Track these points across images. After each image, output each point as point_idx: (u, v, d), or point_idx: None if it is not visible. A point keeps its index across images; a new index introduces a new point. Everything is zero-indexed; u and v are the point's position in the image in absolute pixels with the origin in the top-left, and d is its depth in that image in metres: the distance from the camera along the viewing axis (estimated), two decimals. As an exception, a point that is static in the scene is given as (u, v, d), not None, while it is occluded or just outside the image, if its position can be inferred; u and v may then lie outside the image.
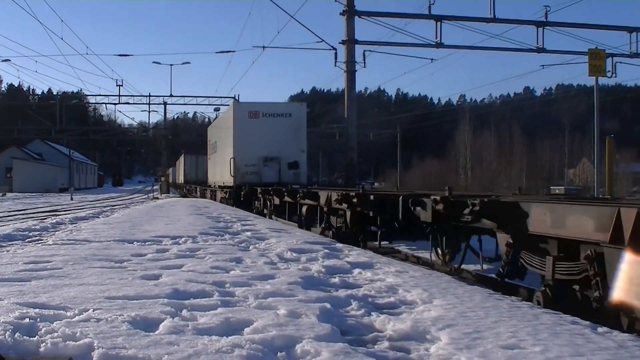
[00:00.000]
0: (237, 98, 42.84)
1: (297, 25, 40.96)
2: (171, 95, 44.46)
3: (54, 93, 74.28)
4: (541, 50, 20.66)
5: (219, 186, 24.50)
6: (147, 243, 7.24)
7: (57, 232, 9.20)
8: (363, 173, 71.37)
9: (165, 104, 46.04)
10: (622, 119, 72.94)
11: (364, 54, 20.28)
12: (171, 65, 43.90)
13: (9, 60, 41.04)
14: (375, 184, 66.80)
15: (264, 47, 24.71)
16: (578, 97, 72.49)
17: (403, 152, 60.75)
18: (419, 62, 25.18)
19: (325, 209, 11.11)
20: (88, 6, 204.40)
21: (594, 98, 18.07)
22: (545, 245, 5.28)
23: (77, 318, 3.30)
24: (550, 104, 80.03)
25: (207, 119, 62.51)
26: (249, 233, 8.68)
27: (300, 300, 3.89)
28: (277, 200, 15.24)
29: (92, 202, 31.19)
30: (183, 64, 58.81)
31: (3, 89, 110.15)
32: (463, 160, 65.12)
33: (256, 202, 18.09)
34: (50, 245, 7.12)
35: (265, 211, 16.79)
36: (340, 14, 19.48)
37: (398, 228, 8.52)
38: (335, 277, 4.92)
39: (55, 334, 2.97)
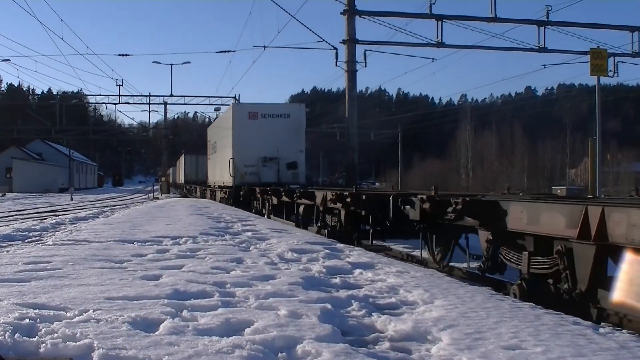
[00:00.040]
0: (237, 98, 42.86)
1: (297, 24, 40.84)
2: (171, 95, 44.41)
3: (54, 93, 74.23)
4: (543, 49, 20.61)
5: (218, 186, 24.66)
6: (147, 243, 7.23)
7: (57, 233, 9.20)
8: (364, 173, 71.33)
9: (165, 103, 46.00)
10: (624, 119, 72.98)
11: (364, 54, 20.27)
12: (171, 65, 43.80)
13: (9, 59, 41.00)
14: (376, 184, 66.77)
15: (264, 46, 24.73)
16: (580, 96, 72.51)
17: (404, 152, 60.73)
18: (420, 62, 25.12)
19: (321, 209, 11.31)
20: (88, 6, 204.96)
21: (596, 98, 18.08)
22: (523, 242, 5.55)
23: (77, 319, 3.29)
24: (551, 103, 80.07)
25: (207, 119, 62.54)
26: (249, 233, 8.68)
27: (301, 300, 3.88)
28: (275, 200, 15.42)
29: (92, 202, 31.20)
30: (183, 63, 58.96)
31: (3, 88, 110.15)
32: (464, 160, 65.13)
33: (255, 202, 18.27)
34: (50, 245, 7.12)
35: (263, 211, 16.95)
36: (341, 13, 19.46)
37: (389, 227, 8.72)
38: (336, 278, 4.92)
39: (55, 335, 2.97)
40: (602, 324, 4.43)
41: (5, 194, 45.78)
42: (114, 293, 4.01)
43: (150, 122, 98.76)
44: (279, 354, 2.77)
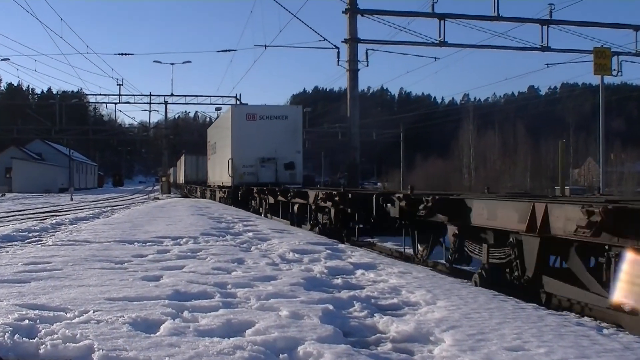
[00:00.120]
0: (238, 97, 42.88)
1: (299, 23, 40.93)
2: (172, 95, 44.39)
3: (54, 92, 73.99)
4: (546, 48, 20.56)
5: (218, 186, 25.01)
6: (148, 244, 7.22)
7: (56, 233, 9.19)
8: (366, 173, 71.35)
9: (166, 103, 46.03)
10: (628, 118, 72.81)
11: (366, 53, 20.24)
12: (172, 64, 43.74)
13: (9, 59, 41.11)
14: (378, 184, 66.77)
15: (265, 45, 24.84)
16: (583, 96, 72.44)
17: (406, 151, 60.63)
18: (422, 61, 25.06)
19: (313, 207, 11.85)
20: (88, 5, 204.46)
21: (599, 97, 18.05)
22: (485, 235, 6.12)
23: (77, 319, 3.28)
24: (555, 103, 79.93)
25: (208, 119, 62.45)
26: (250, 234, 8.68)
27: (303, 301, 3.86)
28: (271, 199, 15.88)
29: (92, 203, 31.17)
30: (184, 63, 59.16)
31: (2, 88, 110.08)
32: (467, 159, 65.01)
33: (253, 202, 18.69)
34: (50, 246, 7.11)
35: (261, 210, 17.41)
36: (343, 12, 19.44)
37: (373, 224, 9.21)
38: (337, 278, 4.90)
39: (55, 336, 2.95)
40: (603, 324, 4.43)
41: (4, 194, 45.75)
42: (115, 294, 3.99)
43: (151, 121, 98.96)
44: (280, 355, 2.76)
